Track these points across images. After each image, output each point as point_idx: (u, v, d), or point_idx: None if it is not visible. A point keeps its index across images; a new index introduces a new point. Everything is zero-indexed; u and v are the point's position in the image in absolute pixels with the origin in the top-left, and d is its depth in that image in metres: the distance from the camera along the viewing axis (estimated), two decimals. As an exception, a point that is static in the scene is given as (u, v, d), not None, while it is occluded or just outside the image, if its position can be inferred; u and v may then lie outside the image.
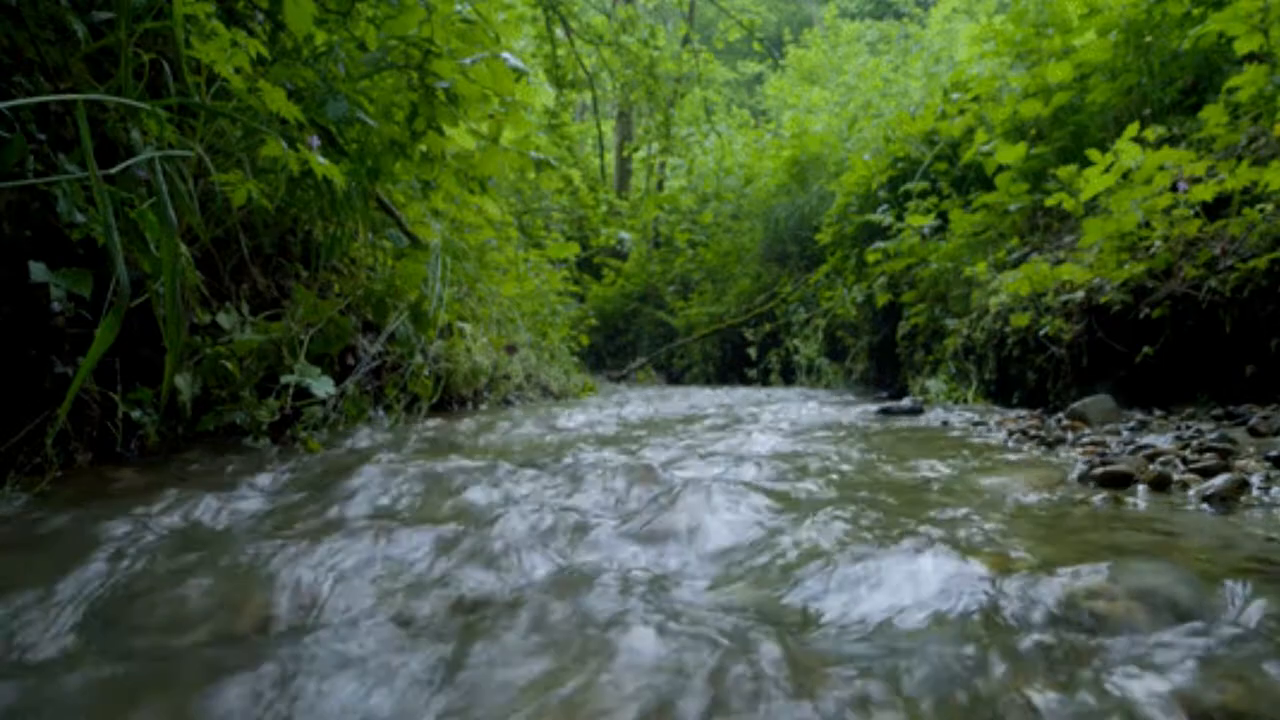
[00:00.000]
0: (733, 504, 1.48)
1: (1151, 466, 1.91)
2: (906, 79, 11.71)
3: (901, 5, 19.77)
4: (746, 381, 9.93)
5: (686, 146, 13.51)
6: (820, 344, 8.66)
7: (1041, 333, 3.84)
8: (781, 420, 3.56)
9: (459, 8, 3.11)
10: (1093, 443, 2.39)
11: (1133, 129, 3.55)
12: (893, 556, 1.14)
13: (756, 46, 19.12)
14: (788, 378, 9.34)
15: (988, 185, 5.38)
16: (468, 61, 2.96)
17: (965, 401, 4.71)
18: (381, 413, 3.06)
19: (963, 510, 1.50)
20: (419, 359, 3.22)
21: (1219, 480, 1.64)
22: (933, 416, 3.77)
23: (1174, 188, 3.32)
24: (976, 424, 3.27)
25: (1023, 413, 3.63)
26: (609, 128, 15.17)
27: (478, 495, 1.66)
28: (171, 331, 1.66)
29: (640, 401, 5.17)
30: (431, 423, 3.16)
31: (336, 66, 2.64)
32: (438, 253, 3.34)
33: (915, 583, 1.06)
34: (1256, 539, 1.28)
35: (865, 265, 6.94)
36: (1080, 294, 3.66)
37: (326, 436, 2.51)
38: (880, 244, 6.36)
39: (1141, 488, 1.74)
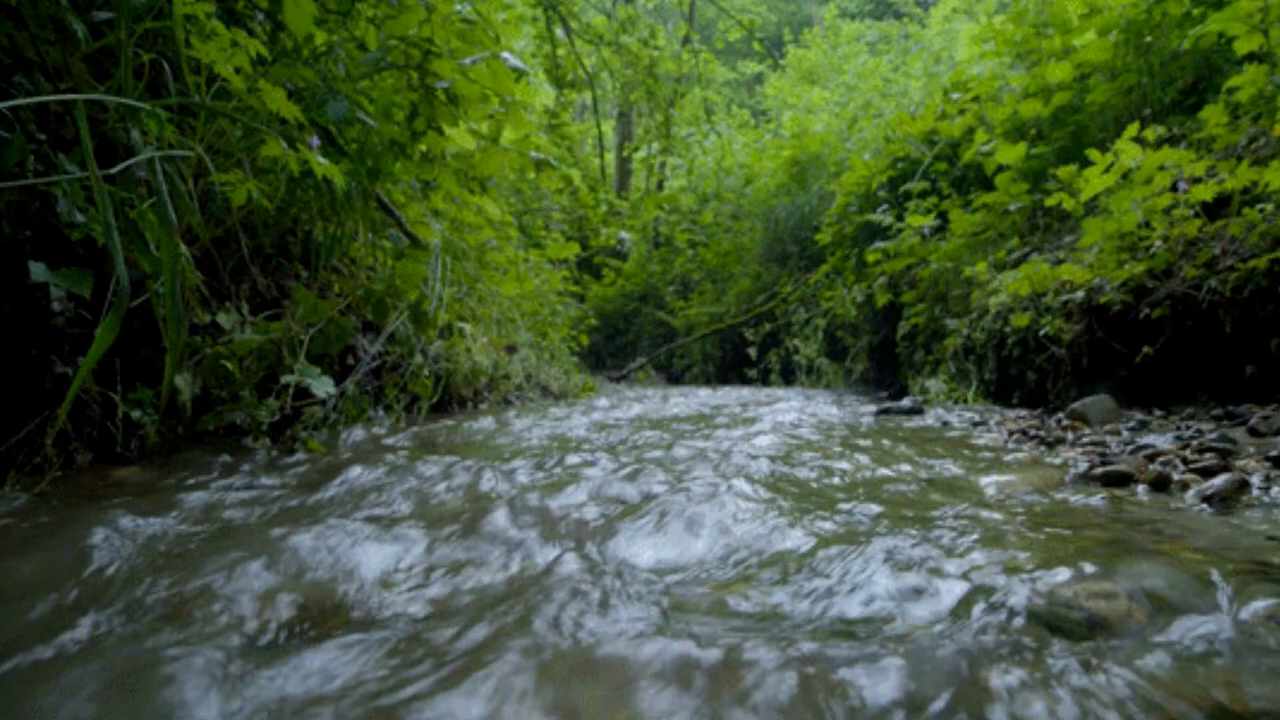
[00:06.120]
0: (731, 503, 1.48)
1: (1151, 466, 1.91)
2: (906, 79, 11.73)
3: (901, 5, 19.77)
4: (746, 381, 9.93)
5: (686, 146, 13.51)
6: (820, 344, 8.66)
7: (1041, 333, 3.84)
8: (781, 420, 3.56)
9: (459, 8, 3.11)
10: (1093, 443, 2.39)
11: (1133, 129, 3.55)
12: (891, 554, 1.14)
13: (756, 46, 19.12)
14: (788, 378, 9.34)
15: (988, 185, 5.38)
16: (468, 61, 2.96)
17: (965, 401, 4.71)
18: (381, 413, 3.06)
19: (962, 509, 1.50)
20: (419, 359, 3.22)
21: (1219, 480, 1.64)
22: (932, 416, 3.77)
23: (1174, 188, 3.32)
24: (976, 424, 3.27)
25: (1023, 413, 3.63)
26: (609, 128, 15.17)
27: (472, 494, 1.66)
28: (171, 331, 1.66)
29: (640, 401, 5.17)
30: (431, 423, 3.16)
31: (336, 66, 2.64)
32: (438, 253, 3.34)
33: (913, 580, 1.06)
34: (1256, 539, 1.28)
35: (865, 265, 6.94)
36: (1080, 294, 3.66)
37: (326, 436, 2.51)
38: (880, 244, 6.36)
39: (1141, 488, 1.74)
